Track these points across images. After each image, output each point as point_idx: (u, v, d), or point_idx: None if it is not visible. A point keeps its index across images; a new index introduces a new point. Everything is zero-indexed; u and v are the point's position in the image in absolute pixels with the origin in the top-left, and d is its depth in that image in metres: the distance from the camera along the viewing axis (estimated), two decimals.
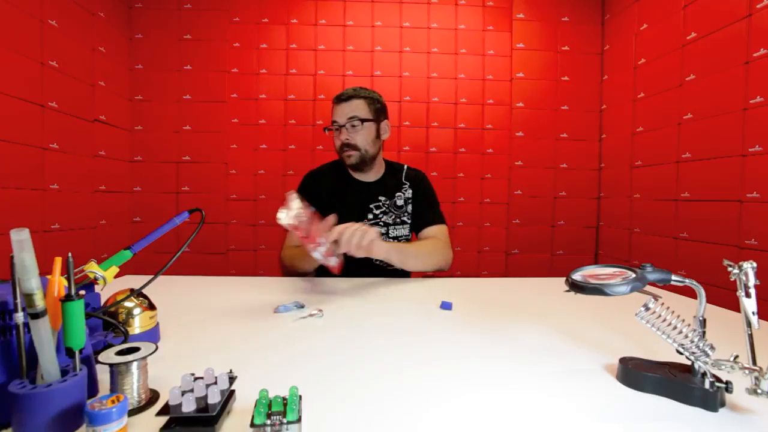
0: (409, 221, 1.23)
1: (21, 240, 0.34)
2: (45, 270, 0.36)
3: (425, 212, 1.22)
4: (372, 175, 1.21)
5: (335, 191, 1.18)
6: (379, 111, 1.17)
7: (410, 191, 1.23)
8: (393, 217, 1.19)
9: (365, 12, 2.49)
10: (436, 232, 1.19)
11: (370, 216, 1.17)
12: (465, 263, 2.54)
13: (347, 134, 1.12)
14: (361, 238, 0.84)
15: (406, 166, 1.28)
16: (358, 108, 1.13)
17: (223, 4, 2.43)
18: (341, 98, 1.14)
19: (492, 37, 2.54)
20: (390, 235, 1.19)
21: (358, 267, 1.10)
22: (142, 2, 2.40)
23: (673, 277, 0.45)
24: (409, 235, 1.23)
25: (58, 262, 0.39)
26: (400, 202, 1.21)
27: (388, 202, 1.19)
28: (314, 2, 2.48)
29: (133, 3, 2.39)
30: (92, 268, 0.53)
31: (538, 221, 2.57)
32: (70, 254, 0.39)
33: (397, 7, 2.50)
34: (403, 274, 1.17)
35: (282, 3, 2.47)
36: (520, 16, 2.54)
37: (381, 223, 1.18)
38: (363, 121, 1.12)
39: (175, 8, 2.41)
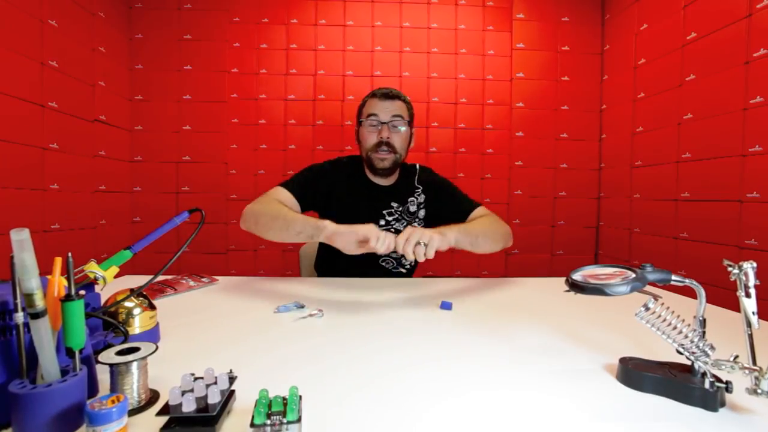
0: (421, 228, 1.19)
1: (21, 240, 0.34)
2: (45, 270, 0.36)
3: (459, 204, 1.13)
4: (388, 180, 1.16)
5: (348, 189, 1.13)
6: (412, 117, 1.15)
7: (423, 196, 1.18)
8: (405, 223, 1.14)
9: (365, 12, 2.49)
10: (480, 212, 1.09)
11: (382, 222, 1.12)
12: (465, 263, 2.54)
13: (389, 133, 1.07)
14: (420, 242, 0.77)
15: (418, 167, 1.22)
16: (402, 109, 1.10)
17: (223, 4, 2.43)
18: (388, 95, 1.09)
19: (492, 37, 2.54)
20: None
21: (359, 267, 1.10)
22: (142, 2, 2.40)
23: (673, 277, 0.45)
24: None
25: (58, 262, 0.39)
26: (413, 208, 1.16)
27: (400, 209, 1.14)
28: (314, 2, 2.48)
29: (133, 3, 2.39)
30: (92, 268, 0.53)
31: (538, 221, 2.57)
32: (70, 254, 0.39)
33: (397, 7, 2.50)
34: (404, 275, 1.16)
35: (282, 3, 2.46)
36: (520, 16, 2.54)
37: (392, 230, 1.13)
38: (408, 123, 1.10)
39: (175, 8, 2.41)
